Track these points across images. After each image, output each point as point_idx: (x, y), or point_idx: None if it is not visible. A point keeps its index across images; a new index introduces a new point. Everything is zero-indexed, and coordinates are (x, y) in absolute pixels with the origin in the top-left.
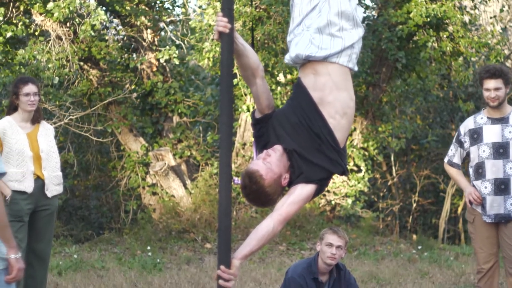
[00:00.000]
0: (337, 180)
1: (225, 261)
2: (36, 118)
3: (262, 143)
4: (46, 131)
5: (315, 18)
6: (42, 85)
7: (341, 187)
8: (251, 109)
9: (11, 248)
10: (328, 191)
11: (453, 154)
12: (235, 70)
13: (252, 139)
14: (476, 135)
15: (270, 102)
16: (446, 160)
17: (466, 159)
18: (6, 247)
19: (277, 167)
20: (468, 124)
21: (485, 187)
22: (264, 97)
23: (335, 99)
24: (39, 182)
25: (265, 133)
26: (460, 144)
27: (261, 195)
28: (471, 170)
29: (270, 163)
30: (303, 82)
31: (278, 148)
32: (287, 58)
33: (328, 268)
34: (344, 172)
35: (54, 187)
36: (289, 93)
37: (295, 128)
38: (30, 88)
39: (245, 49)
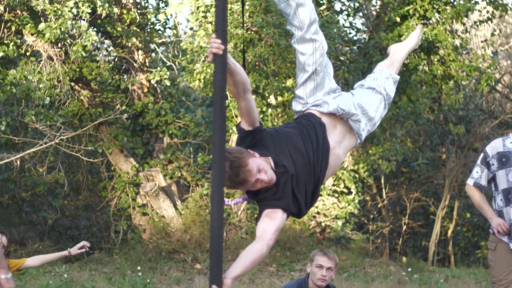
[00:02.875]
0: (327, 202)
1: (217, 281)
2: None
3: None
4: None
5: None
6: (33, 105)
7: (331, 209)
8: None
9: (1, 268)
10: (318, 213)
11: (480, 176)
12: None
13: None
14: (504, 159)
15: (258, 115)
16: (471, 182)
17: (489, 182)
18: None
19: (258, 184)
20: (496, 146)
21: None
22: (254, 110)
23: (338, 156)
24: None
25: (257, 144)
26: (488, 166)
27: (230, 179)
28: (497, 195)
29: (260, 179)
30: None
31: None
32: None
33: None
34: (300, 216)
35: None
36: (279, 115)
37: (298, 156)
38: None
39: (236, 67)
